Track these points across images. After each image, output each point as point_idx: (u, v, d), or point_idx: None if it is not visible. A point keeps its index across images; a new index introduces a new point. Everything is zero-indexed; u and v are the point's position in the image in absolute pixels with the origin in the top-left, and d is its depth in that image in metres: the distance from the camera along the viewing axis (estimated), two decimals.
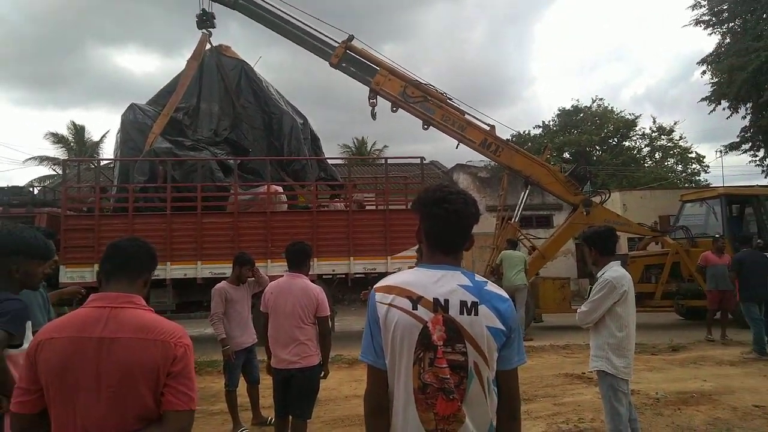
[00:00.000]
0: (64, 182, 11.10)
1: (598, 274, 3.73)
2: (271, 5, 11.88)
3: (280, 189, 11.06)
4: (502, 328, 1.64)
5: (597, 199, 12.15)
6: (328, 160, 13.80)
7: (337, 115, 57.19)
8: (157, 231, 10.13)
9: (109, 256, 1.86)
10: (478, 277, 1.71)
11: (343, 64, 11.61)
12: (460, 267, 1.74)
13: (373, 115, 11.70)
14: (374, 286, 1.76)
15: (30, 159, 27.13)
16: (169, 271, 10.09)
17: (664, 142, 29.96)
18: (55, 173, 25.51)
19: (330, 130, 63.03)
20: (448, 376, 1.59)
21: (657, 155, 30.42)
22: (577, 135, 29.18)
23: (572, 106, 31.20)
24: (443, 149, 59.31)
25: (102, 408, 1.62)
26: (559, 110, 31.57)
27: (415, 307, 1.62)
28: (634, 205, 17.66)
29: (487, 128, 11.64)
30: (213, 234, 10.35)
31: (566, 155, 28.56)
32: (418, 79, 11.56)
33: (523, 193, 12.29)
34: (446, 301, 1.63)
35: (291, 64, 58.32)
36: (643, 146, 30.65)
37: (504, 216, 12.43)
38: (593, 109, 30.73)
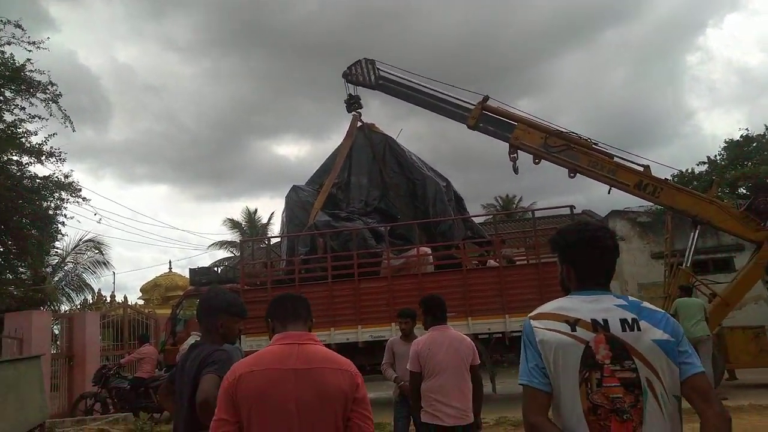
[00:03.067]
0: (241, 261, 12.56)
1: None
2: (406, 80, 12.77)
3: (428, 250, 11.34)
4: (670, 338, 1.60)
5: None
6: (473, 219, 13.89)
7: (478, 175, 57.67)
8: (320, 298, 10.87)
9: (280, 305, 2.15)
10: (632, 298, 1.72)
11: (481, 125, 11.89)
12: (611, 291, 1.74)
13: (516, 170, 11.69)
14: (528, 316, 1.81)
15: (213, 244, 31.19)
16: (333, 336, 10.68)
17: None
18: (232, 254, 28.87)
19: (473, 191, 63.27)
20: (621, 395, 1.57)
21: None
22: (752, 167, 25.86)
23: (741, 137, 27.83)
24: (596, 198, 56.15)
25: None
26: (726, 142, 28.32)
27: (573, 329, 1.64)
28: None
29: (641, 169, 10.95)
30: (370, 298, 10.83)
31: (742, 190, 25.36)
32: (559, 128, 11.39)
33: (692, 234, 11.15)
34: (605, 320, 1.63)
35: (429, 131, 60.76)
36: None
37: (673, 262, 11.33)
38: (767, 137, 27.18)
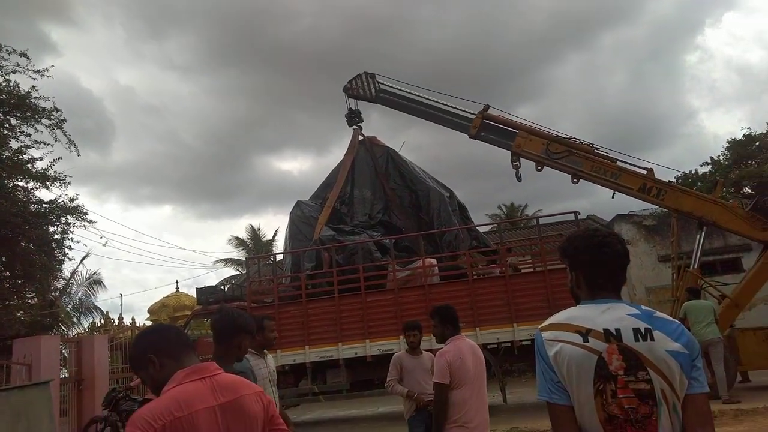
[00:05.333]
0: (248, 278, 12.56)
1: None
2: (406, 92, 12.83)
3: (434, 261, 11.32)
4: (685, 351, 1.58)
5: None
6: (478, 228, 13.88)
7: (482, 184, 57.65)
8: (327, 313, 10.86)
9: (165, 338, 1.89)
10: (645, 307, 1.70)
11: (482, 134, 11.92)
12: (623, 299, 1.73)
13: (519, 177, 11.70)
14: (539, 327, 1.80)
15: (218, 262, 31.24)
16: (341, 351, 10.63)
17: None
18: (238, 272, 28.88)
19: (477, 200, 63.47)
20: (635, 406, 1.56)
21: None
22: (756, 166, 25.78)
23: (744, 136, 27.79)
24: (601, 202, 56.04)
25: None
26: (729, 142, 28.26)
27: (586, 340, 1.62)
28: None
29: (644, 172, 10.95)
30: (377, 311, 10.79)
31: (747, 190, 25.26)
32: (560, 134, 11.41)
33: (698, 236, 11.10)
34: (617, 330, 1.62)
35: (431, 141, 60.93)
36: None
37: (680, 264, 11.27)
38: None
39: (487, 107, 11.95)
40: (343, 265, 11.42)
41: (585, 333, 1.64)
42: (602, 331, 1.62)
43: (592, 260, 1.75)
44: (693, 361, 1.60)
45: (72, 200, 13.47)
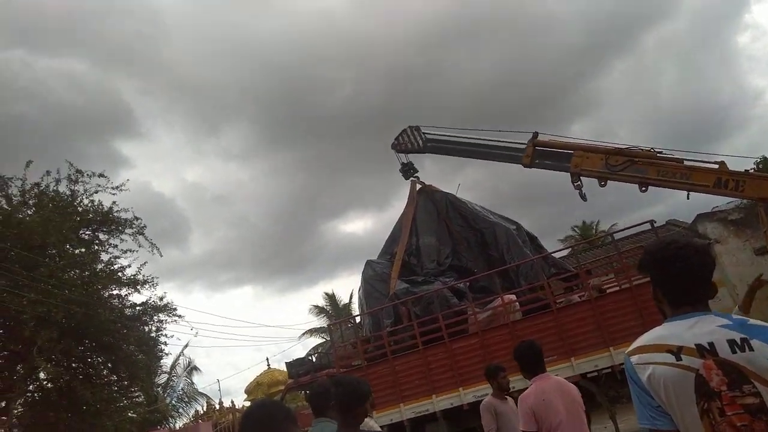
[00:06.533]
0: (332, 344, 12.70)
1: None
2: (453, 136, 13.01)
3: (513, 297, 11.05)
4: None
5: None
6: (553, 255, 13.48)
7: (546, 209, 56.27)
8: (416, 367, 10.73)
9: (274, 418, 1.92)
10: (736, 316, 1.62)
11: (537, 161, 11.82)
12: (712, 310, 1.66)
13: (583, 197, 11.42)
14: (626, 352, 1.75)
15: (304, 334, 31.82)
16: (437, 403, 10.40)
17: None
18: (324, 339, 29.25)
19: (545, 227, 61.86)
20: (748, 423, 1.47)
21: None
22: None
23: None
24: (678, 204, 52.94)
25: None
26: None
27: (679, 358, 1.56)
28: None
29: (716, 167, 10.40)
30: (465, 357, 10.55)
31: None
32: (617, 146, 11.12)
33: None
34: (710, 344, 1.55)
35: (486, 177, 60.63)
36: None
37: None
38: None
39: (536, 134, 11.89)
40: (422, 316, 11.34)
41: (677, 351, 1.58)
42: (694, 347, 1.56)
43: (667, 275, 1.69)
44: None
45: (161, 299, 14.33)
